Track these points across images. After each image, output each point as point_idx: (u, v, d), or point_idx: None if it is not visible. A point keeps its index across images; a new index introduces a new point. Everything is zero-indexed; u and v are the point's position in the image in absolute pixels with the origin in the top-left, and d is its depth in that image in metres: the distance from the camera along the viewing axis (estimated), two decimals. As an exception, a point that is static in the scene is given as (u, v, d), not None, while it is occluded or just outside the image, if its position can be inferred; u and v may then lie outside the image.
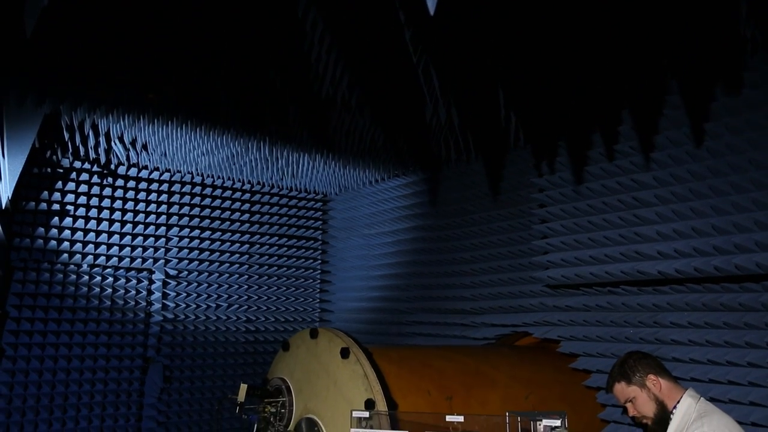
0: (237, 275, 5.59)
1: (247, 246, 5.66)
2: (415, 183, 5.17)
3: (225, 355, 5.38)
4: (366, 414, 2.81)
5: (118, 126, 4.04)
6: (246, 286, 5.64)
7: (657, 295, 3.40)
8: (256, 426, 3.34)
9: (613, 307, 3.62)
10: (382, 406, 2.89)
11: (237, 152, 4.60)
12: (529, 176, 4.05)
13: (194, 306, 5.32)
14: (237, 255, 5.61)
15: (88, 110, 3.72)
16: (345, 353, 3.12)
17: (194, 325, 5.29)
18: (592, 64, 3.13)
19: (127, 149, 4.50)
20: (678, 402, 2.54)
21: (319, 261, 6.14)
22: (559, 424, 2.58)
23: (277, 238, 5.86)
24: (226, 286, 5.52)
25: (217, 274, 5.48)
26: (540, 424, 2.64)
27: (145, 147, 4.50)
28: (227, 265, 5.54)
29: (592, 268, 3.47)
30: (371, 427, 2.83)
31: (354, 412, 2.82)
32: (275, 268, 5.82)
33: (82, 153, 4.56)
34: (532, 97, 3.44)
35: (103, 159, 4.75)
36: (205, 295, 5.39)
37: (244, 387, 3.35)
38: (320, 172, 5.21)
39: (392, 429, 2.83)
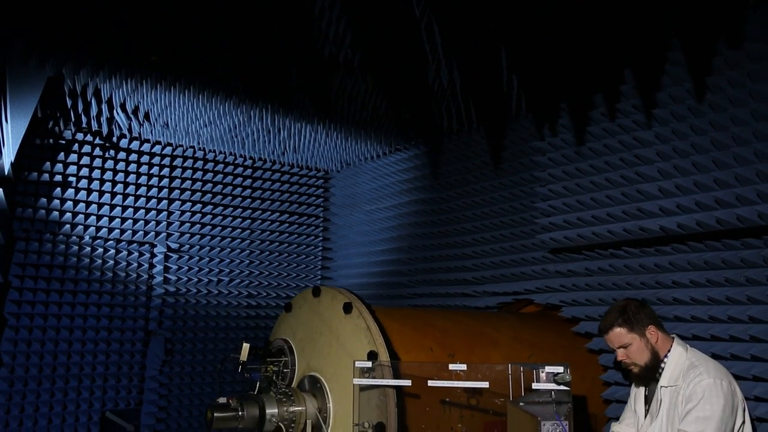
0: (239, 250, 5.60)
1: (248, 222, 5.67)
2: (417, 156, 5.17)
3: (227, 329, 5.38)
4: (368, 364, 2.82)
5: (120, 92, 4.05)
6: (248, 261, 5.64)
7: (659, 256, 3.40)
8: (258, 385, 3.34)
9: (615, 270, 3.62)
10: (384, 358, 2.90)
11: (239, 122, 4.61)
12: (531, 144, 4.06)
13: (196, 280, 5.33)
14: (239, 230, 5.61)
15: (90, 73, 3.72)
16: (348, 308, 3.13)
17: (196, 299, 5.30)
18: (594, 21, 3.13)
19: (129, 119, 4.50)
20: (669, 351, 2.68)
21: (321, 238, 6.15)
22: (562, 370, 2.59)
23: (278, 214, 5.87)
24: (228, 260, 5.52)
25: (218, 249, 5.49)
26: (542, 372, 2.66)
27: (147, 117, 4.50)
28: (229, 240, 5.55)
29: (594, 228, 3.48)
30: (374, 378, 2.84)
31: (357, 363, 2.83)
32: (276, 243, 5.83)
33: (84, 123, 4.57)
34: (534, 58, 3.44)
35: (105, 130, 4.76)
36: (207, 270, 5.40)
37: (246, 346, 3.37)
38: (322, 146, 5.21)
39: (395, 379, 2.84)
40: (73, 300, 4.77)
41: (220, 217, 5.52)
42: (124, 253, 5.02)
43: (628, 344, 2.69)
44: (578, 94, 3.53)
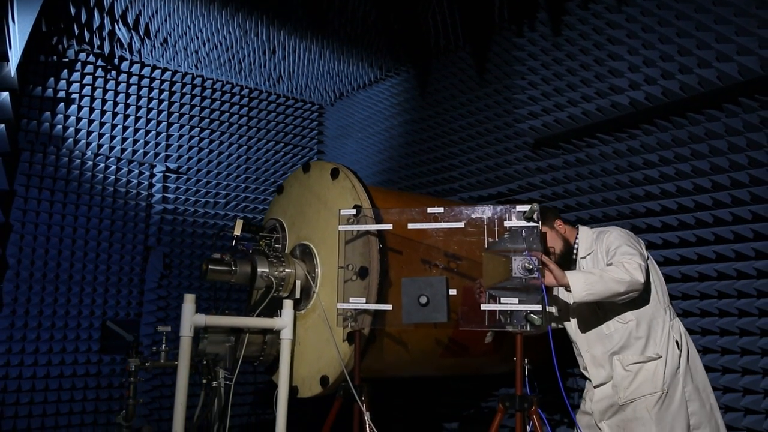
0: (235, 175, 5.79)
1: (244, 149, 5.86)
2: (406, 80, 5.36)
3: (222, 249, 5.54)
4: (353, 211, 3.02)
5: (121, -1, 4.24)
6: (243, 186, 5.84)
7: (630, 140, 3.60)
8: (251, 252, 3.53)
9: (591, 159, 3.82)
10: (368, 212, 3.09)
11: (236, 39, 4.79)
12: (514, 53, 4.24)
13: (194, 200, 5.52)
14: (235, 156, 5.80)
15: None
16: (335, 173, 3.32)
17: (194, 218, 5.49)
18: None
19: (129, 33, 4.69)
20: (577, 236, 3.10)
21: (315, 169, 6.34)
22: (530, 207, 2.79)
23: (273, 143, 6.06)
24: (225, 184, 5.72)
25: (216, 173, 5.68)
26: (513, 212, 2.85)
27: (147, 31, 4.69)
28: (225, 165, 5.74)
29: (570, 110, 3.68)
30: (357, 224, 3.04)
31: (342, 210, 3.02)
32: (272, 171, 6.02)
33: (86, 38, 4.76)
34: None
35: (107, 49, 4.95)
36: (204, 191, 5.59)
37: (240, 221, 3.56)
38: (315, 70, 5.39)
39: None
40: (75, 212, 4.95)
41: (218, 143, 5.71)
42: (125, 170, 5.21)
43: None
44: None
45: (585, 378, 3.12)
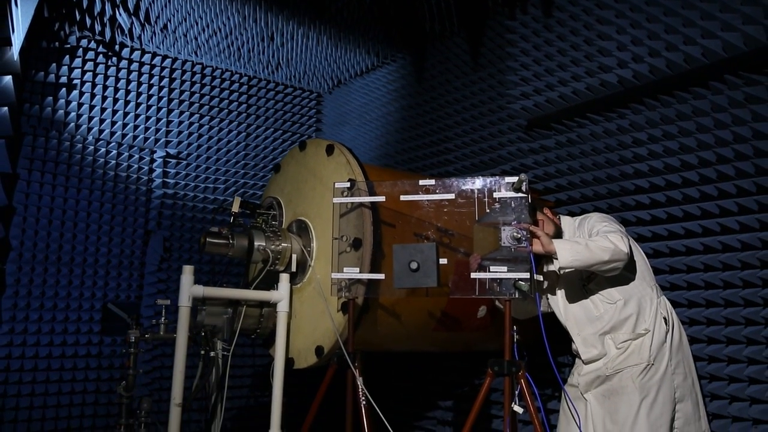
0: (234, 161, 5.87)
1: (244, 135, 5.95)
2: (402, 67, 5.44)
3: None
4: (347, 184, 3.09)
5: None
6: (243, 172, 5.92)
7: (620, 119, 3.67)
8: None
9: (582, 139, 3.89)
10: (362, 185, 3.17)
11: (235, 25, 4.87)
12: (506, 36, 4.31)
13: (193, 185, 5.60)
14: (234, 143, 5.89)
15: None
16: (330, 150, 3.40)
17: (193, 203, 5.58)
18: None
19: (130, 18, 4.77)
20: (560, 225, 3.23)
21: (313, 157, 6.43)
22: (519, 177, 2.87)
23: (272, 131, 6.14)
24: (224, 170, 5.80)
25: (215, 159, 5.76)
26: (502, 184, 2.93)
27: (147, 17, 4.77)
28: (225, 151, 5.82)
29: (561, 90, 3.75)
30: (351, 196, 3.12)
31: (336, 183, 3.10)
32: (270, 158, 6.10)
33: (88, 25, 4.84)
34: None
35: (108, 35, 5.03)
36: (204, 177, 5.68)
37: (237, 199, 3.65)
38: (313, 57, 5.47)
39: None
40: (76, 196, 5.04)
41: (217, 130, 5.80)
42: (125, 155, 5.29)
43: (539, 219, 3.13)
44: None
45: (575, 356, 3.19)
